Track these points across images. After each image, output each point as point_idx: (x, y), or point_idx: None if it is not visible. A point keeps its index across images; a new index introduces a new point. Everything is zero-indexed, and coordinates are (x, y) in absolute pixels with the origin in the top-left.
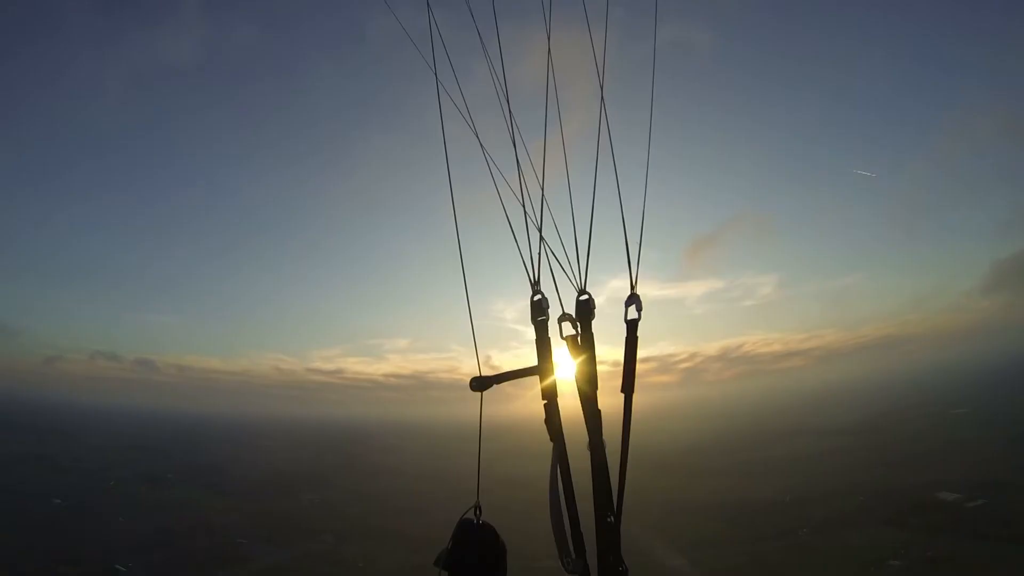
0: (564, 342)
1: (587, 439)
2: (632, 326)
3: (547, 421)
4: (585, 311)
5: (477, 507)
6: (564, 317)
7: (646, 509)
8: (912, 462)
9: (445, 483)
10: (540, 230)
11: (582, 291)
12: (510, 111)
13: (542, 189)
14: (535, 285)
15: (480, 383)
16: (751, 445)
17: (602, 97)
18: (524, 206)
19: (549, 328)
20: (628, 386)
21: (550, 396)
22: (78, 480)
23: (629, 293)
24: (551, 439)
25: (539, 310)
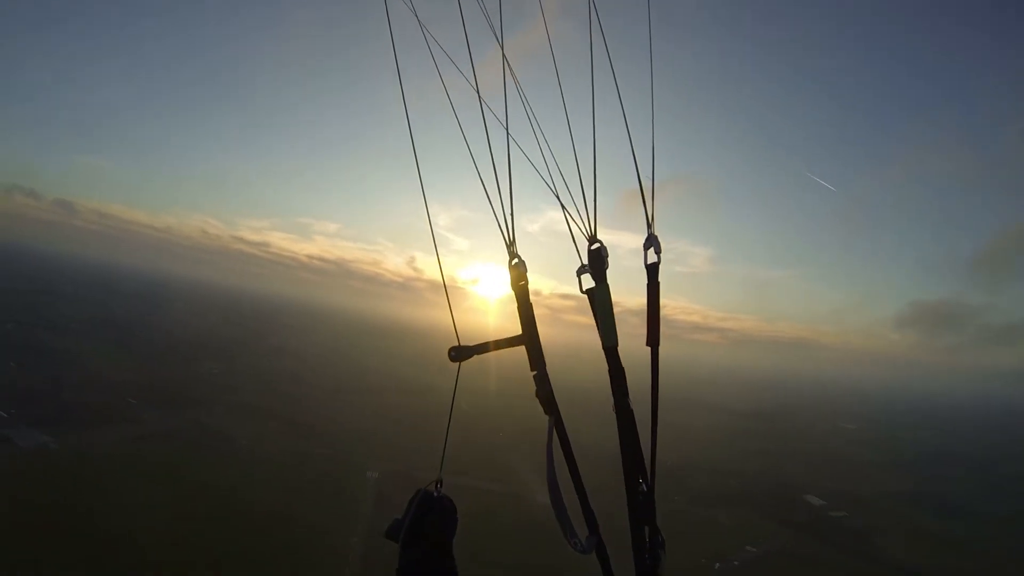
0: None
1: (611, 401)
2: (653, 271)
3: (538, 393)
4: (598, 261)
5: (439, 482)
6: (582, 269)
7: (525, 439)
8: (792, 460)
9: (339, 375)
10: (511, 188)
11: (593, 239)
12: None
13: (508, 133)
14: (511, 247)
15: (459, 353)
16: (646, 403)
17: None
18: (495, 167)
19: (530, 293)
20: (653, 339)
21: (539, 366)
22: None
23: (647, 234)
24: (545, 412)
25: (519, 275)
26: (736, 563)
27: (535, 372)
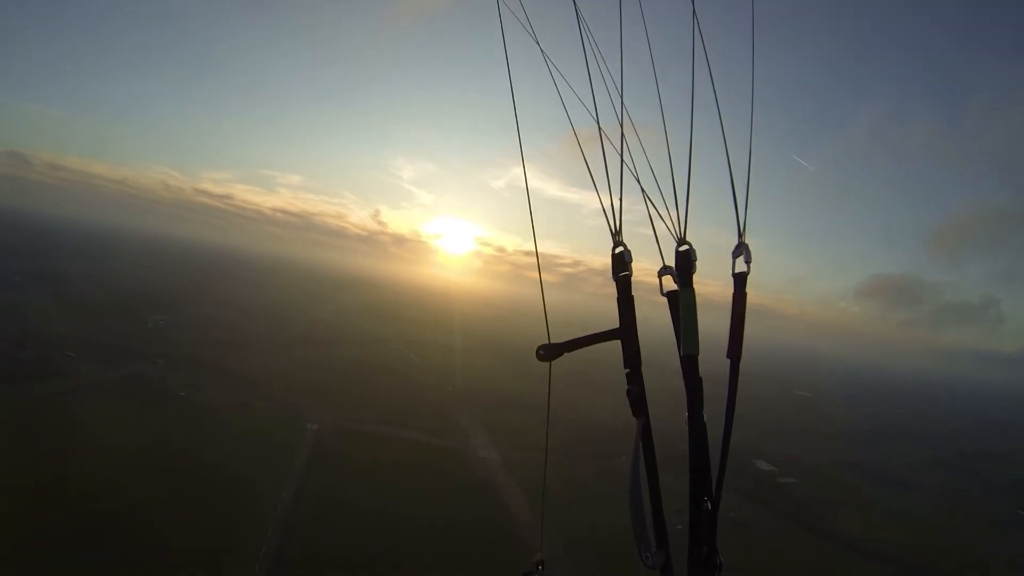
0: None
1: (686, 412)
2: (740, 280)
3: (629, 392)
4: (686, 264)
5: (540, 563)
6: (664, 271)
7: (473, 396)
8: (742, 424)
9: (290, 327)
10: (621, 180)
11: (682, 241)
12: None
13: (620, 119)
14: (616, 235)
15: (549, 351)
16: (600, 363)
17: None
18: (604, 154)
19: (632, 285)
20: (735, 351)
21: (633, 364)
22: None
23: (737, 242)
24: (634, 414)
25: (621, 264)
26: (679, 527)
27: (628, 370)
